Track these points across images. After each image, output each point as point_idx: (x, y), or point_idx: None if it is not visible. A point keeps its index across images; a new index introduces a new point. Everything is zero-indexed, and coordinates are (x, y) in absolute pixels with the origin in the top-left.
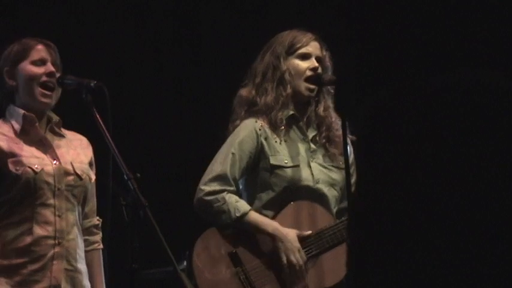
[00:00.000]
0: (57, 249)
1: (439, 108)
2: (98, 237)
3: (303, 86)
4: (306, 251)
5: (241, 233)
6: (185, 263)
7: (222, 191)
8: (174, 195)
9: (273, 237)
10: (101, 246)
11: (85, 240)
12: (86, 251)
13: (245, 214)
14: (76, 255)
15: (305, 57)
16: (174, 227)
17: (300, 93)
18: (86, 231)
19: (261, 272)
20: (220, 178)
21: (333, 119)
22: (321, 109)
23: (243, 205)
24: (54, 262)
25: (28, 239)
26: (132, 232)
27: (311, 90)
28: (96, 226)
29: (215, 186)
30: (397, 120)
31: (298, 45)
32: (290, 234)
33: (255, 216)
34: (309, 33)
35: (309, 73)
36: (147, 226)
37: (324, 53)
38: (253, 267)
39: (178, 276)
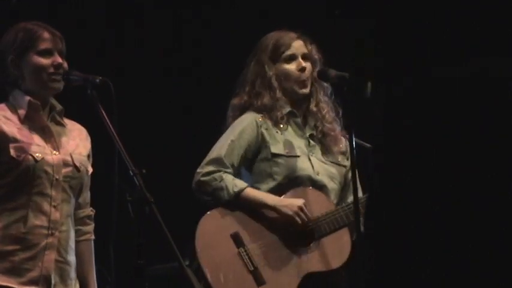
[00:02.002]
0: (50, 239)
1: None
2: (91, 227)
3: (296, 88)
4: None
5: (243, 212)
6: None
7: (218, 171)
8: (179, 191)
9: (274, 208)
10: (93, 236)
11: (78, 231)
12: (78, 241)
13: (243, 189)
14: (67, 247)
15: (291, 59)
16: (180, 223)
17: (294, 93)
18: (79, 221)
19: (263, 252)
20: (216, 161)
21: (325, 112)
22: (313, 104)
23: (240, 182)
24: (46, 252)
25: (22, 227)
26: (137, 228)
27: (305, 89)
28: (89, 217)
29: (211, 168)
30: (417, 112)
31: (282, 49)
32: (289, 198)
33: (253, 191)
34: (290, 33)
35: (297, 74)
36: (153, 222)
37: (310, 47)
38: (255, 248)
39: (184, 272)
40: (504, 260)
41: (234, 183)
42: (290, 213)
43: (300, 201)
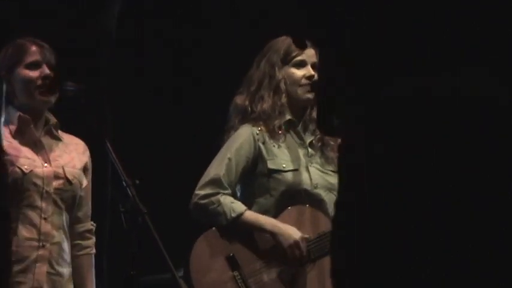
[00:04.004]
0: (40, 251)
1: (438, 112)
2: (91, 242)
3: (300, 92)
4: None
5: (239, 235)
6: (183, 270)
7: (217, 193)
8: (173, 201)
9: (272, 234)
10: (94, 251)
11: (77, 245)
12: (78, 255)
13: (241, 214)
14: (59, 259)
15: (300, 65)
16: (173, 234)
17: (297, 99)
18: (79, 235)
19: (258, 276)
20: (214, 182)
21: None
22: (315, 113)
23: (238, 206)
24: (37, 265)
25: (12, 240)
26: (130, 239)
27: (309, 94)
28: (89, 231)
29: (209, 190)
30: (397, 121)
31: (294, 54)
32: (289, 227)
33: (251, 216)
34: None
35: (304, 81)
36: (146, 233)
37: None
38: (250, 271)
39: (177, 283)
40: (504, 260)
41: (231, 208)
42: (285, 245)
43: (297, 234)
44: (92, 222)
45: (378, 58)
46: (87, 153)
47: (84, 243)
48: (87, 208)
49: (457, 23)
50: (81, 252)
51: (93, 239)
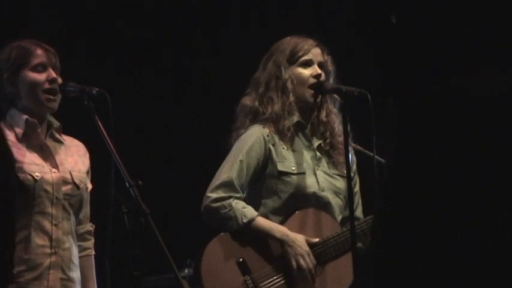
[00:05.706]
0: (53, 258)
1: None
2: (91, 243)
3: (307, 93)
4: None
5: (250, 240)
6: (186, 270)
7: (229, 197)
8: (175, 202)
9: (281, 242)
10: (93, 252)
11: (78, 246)
12: (79, 257)
13: (252, 220)
14: (70, 264)
15: (307, 64)
16: (176, 234)
17: (304, 100)
18: (80, 237)
19: (269, 281)
20: (227, 185)
21: (336, 125)
22: (323, 115)
23: (250, 211)
24: (51, 271)
25: (26, 248)
26: (133, 239)
27: (316, 97)
28: (89, 232)
29: (221, 193)
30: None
31: (300, 54)
32: (299, 238)
33: (262, 222)
34: (309, 40)
35: (311, 80)
36: (149, 233)
37: (326, 58)
38: (261, 275)
39: (180, 283)
40: (505, 260)
41: (243, 213)
42: (292, 256)
43: (305, 247)
44: (91, 224)
45: (403, 62)
46: (88, 155)
47: (85, 244)
48: (86, 210)
49: (476, 23)
50: (82, 254)
51: (92, 240)
